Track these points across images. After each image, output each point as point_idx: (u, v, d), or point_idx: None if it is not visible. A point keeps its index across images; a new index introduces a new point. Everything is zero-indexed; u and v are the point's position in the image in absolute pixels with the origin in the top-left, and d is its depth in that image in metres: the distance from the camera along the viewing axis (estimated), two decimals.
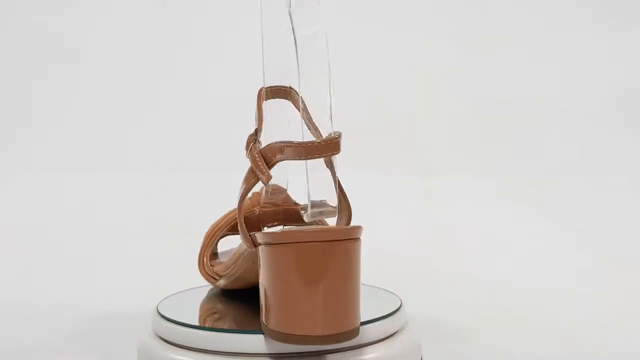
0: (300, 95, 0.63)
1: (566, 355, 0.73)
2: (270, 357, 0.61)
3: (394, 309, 0.66)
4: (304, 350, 0.61)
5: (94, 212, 1.13)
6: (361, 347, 0.63)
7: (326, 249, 0.57)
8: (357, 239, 0.58)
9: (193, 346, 0.63)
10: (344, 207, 0.62)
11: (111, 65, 1.24)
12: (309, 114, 0.64)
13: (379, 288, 0.72)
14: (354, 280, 0.58)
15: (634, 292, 0.90)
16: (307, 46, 0.62)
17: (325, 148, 0.61)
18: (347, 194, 0.62)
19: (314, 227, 0.66)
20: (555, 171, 1.19)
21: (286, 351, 0.61)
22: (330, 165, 0.62)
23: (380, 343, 0.64)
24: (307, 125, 0.64)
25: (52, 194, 1.16)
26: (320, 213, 0.62)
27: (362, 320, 0.63)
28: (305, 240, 0.57)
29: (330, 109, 0.63)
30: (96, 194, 1.17)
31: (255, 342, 0.62)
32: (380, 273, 0.76)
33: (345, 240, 0.58)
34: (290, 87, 0.67)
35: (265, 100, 0.67)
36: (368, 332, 0.63)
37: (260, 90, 0.67)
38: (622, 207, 1.14)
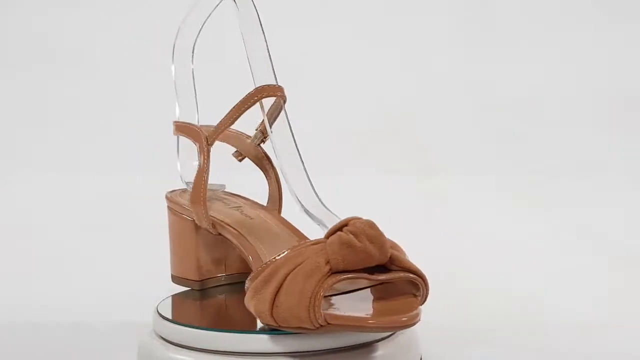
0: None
1: (566, 354, 0.73)
2: (270, 356, 0.61)
3: None
4: (303, 350, 0.61)
5: (94, 212, 1.13)
6: (361, 347, 0.63)
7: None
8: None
9: (193, 346, 0.63)
10: None
11: (112, 65, 1.24)
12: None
13: None
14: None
15: (634, 291, 0.90)
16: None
17: None
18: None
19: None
20: (555, 171, 1.19)
21: (286, 350, 0.61)
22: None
23: (380, 343, 0.64)
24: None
25: (52, 194, 1.16)
26: None
27: None
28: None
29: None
30: (96, 194, 1.17)
31: (255, 342, 0.62)
32: None
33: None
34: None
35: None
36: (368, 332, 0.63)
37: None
38: (622, 207, 1.14)
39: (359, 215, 0.63)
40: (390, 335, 0.65)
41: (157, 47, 1.24)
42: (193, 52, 0.77)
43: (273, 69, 0.68)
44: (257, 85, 0.67)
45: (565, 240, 1.06)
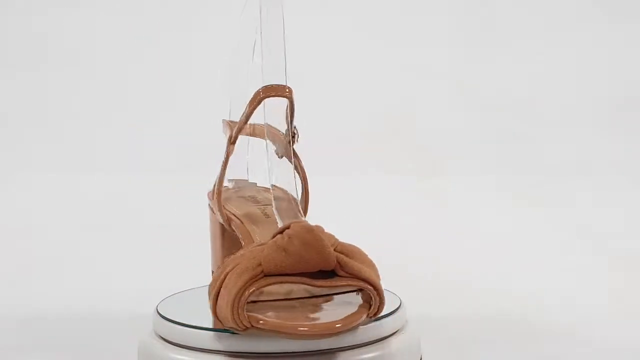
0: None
1: (566, 355, 0.73)
2: (269, 356, 0.61)
3: (393, 309, 0.66)
4: (304, 350, 0.61)
5: (94, 212, 1.13)
6: (361, 346, 0.63)
7: None
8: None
9: (193, 346, 0.63)
10: None
11: (111, 65, 1.24)
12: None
13: None
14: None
15: (634, 291, 0.90)
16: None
17: None
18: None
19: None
20: (555, 171, 1.19)
21: (286, 350, 0.61)
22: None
23: (380, 342, 0.64)
24: None
25: (52, 194, 1.16)
26: None
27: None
28: None
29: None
30: (96, 194, 1.17)
31: (255, 342, 0.62)
32: (380, 272, 0.76)
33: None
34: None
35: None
36: (368, 332, 0.63)
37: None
38: (622, 207, 1.14)
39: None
40: (391, 334, 0.65)
41: (157, 47, 1.24)
42: (253, 56, 0.76)
43: (286, 71, 0.68)
44: (265, 84, 0.67)
45: (565, 240, 1.06)
